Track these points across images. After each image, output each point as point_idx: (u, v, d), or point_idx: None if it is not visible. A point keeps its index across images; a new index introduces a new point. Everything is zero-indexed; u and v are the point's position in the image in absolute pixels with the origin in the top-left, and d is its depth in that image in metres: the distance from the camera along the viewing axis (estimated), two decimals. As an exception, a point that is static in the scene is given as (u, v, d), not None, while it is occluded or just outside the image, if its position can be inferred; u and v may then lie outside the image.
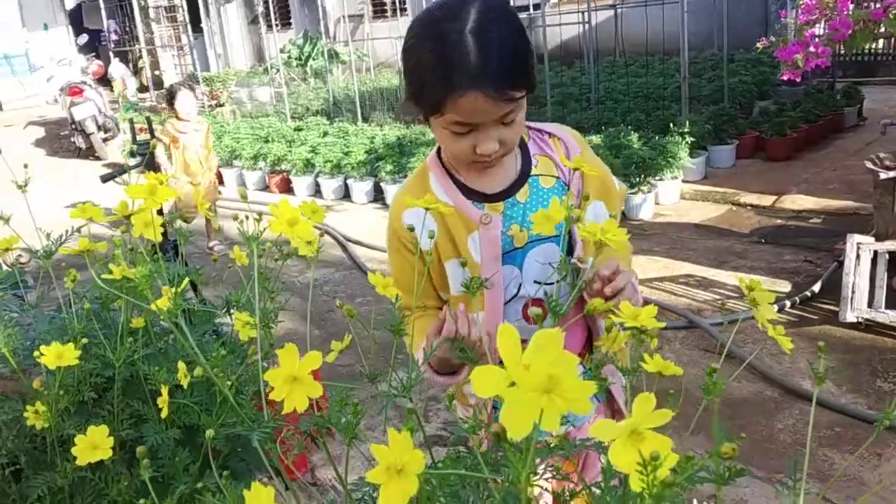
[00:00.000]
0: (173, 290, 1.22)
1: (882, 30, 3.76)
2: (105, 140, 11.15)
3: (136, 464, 1.56)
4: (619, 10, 9.48)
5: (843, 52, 3.74)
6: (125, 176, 2.22)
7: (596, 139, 6.64)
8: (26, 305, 2.04)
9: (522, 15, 10.60)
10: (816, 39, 3.66)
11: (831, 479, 2.67)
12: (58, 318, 1.83)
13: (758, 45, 3.94)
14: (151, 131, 3.15)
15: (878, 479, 2.65)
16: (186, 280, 1.67)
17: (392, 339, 1.07)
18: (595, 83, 8.09)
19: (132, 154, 9.68)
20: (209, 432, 1.12)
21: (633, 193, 5.79)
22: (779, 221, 5.40)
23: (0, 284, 2.22)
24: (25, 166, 2.03)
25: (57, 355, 1.47)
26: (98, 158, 10.98)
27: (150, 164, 2.93)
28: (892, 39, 9.28)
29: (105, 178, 2.55)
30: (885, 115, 7.46)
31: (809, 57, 3.66)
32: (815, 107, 7.24)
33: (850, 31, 3.56)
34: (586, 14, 8.27)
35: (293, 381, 0.99)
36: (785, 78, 3.78)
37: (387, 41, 11.60)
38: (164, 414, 1.49)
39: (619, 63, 10.11)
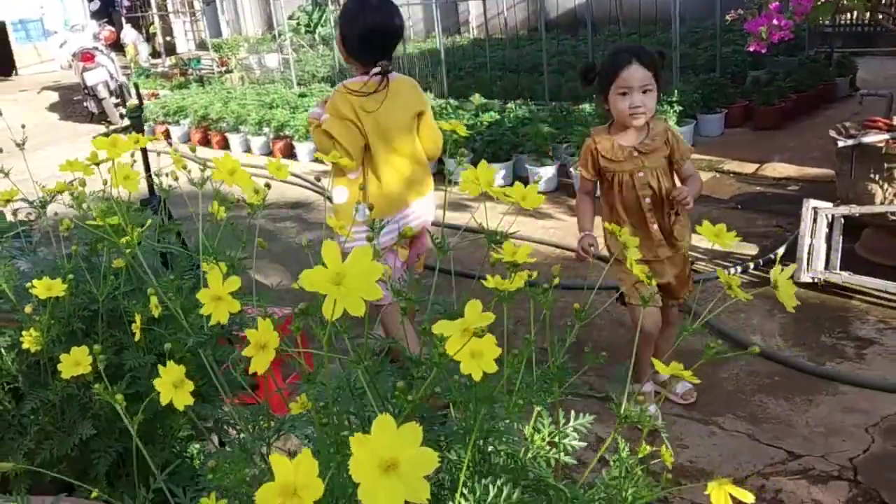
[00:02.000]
0: (136, 230, 1.48)
1: (845, 2, 3.93)
2: (117, 105, 11.40)
3: (118, 384, 1.83)
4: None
5: (807, 24, 3.89)
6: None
7: (588, 107, 6.82)
8: (27, 250, 2.31)
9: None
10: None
11: (762, 421, 2.91)
12: (51, 260, 2.09)
13: (727, 17, 4.11)
14: (140, 98, 3.38)
15: (804, 423, 2.89)
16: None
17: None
18: (592, 52, 8.21)
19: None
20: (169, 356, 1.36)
21: (619, 160, 5.98)
22: (758, 188, 5.59)
23: (4, 234, 2.50)
24: (23, 126, 2.28)
25: (47, 287, 1.72)
26: (110, 123, 11.24)
27: (139, 128, 3.16)
28: (893, 9, 9.32)
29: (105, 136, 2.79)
30: (879, 85, 7.57)
31: (773, 30, 3.83)
32: (807, 77, 7.37)
33: (811, 4, 3.73)
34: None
35: (217, 299, 1.23)
36: (751, 49, 3.95)
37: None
38: (137, 339, 1.75)
39: (623, 32, 10.22)
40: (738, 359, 3.38)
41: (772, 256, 4.28)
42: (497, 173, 6.34)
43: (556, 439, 1.53)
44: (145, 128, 10.04)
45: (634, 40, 9.30)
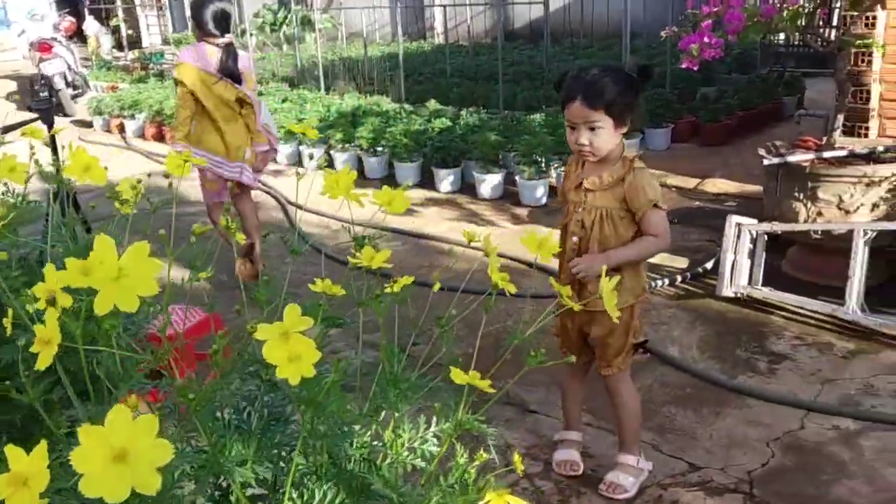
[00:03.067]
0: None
1: (777, 24, 4.01)
2: (74, 97, 11.27)
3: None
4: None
5: (735, 43, 3.97)
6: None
7: (539, 118, 6.88)
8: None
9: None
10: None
11: (666, 433, 2.96)
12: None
13: (662, 34, 4.18)
14: (51, 92, 3.34)
15: (708, 435, 2.94)
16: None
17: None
18: (546, 63, 8.29)
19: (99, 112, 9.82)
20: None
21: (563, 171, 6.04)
22: (697, 203, 5.68)
23: None
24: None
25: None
26: (66, 115, 11.10)
27: (47, 120, 3.13)
28: (823, 30, 9.51)
29: (5, 129, 2.76)
30: (825, 106, 7.72)
31: (704, 48, 3.90)
32: (755, 95, 7.50)
33: (743, 24, 3.80)
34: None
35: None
36: (683, 66, 4.02)
37: (358, 11, 11.72)
38: (7, 330, 1.72)
39: (581, 45, 10.32)
40: (653, 369, 3.43)
41: (699, 270, 4.35)
42: (446, 179, 6.38)
43: (416, 445, 1.55)
44: (99, 121, 9.91)
45: (592, 53, 9.41)
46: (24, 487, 0.72)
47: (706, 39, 3.90)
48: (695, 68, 4.03)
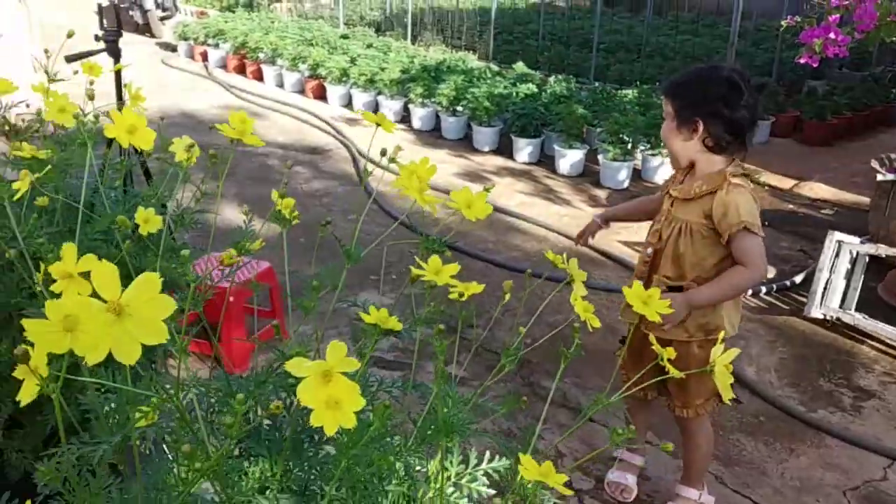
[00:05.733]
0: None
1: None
2: (162, 19, 11.24)
3: (13, 330, 1.69)
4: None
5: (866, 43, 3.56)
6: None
7: (631, 94, 6.53)
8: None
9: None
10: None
11: (735, 465, 2.72)
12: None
13: (782, 23, 3.81)
14: (119, 22, 3.22)
15: (779, 473, 2.69)
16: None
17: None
18: (646, 36, 7.87)
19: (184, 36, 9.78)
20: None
21: (651, 155, 5.71)
22: (790, 207, 5.30)
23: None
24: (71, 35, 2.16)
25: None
26: (153, 36, 11.10)
27: (114, 52, 3.00)
28: None
29: (70, 59, 2.62)
30: (942, 115, 7.16)
31: (828, 44, 3.54)
32: (864, 95, 6.97)
33: (873, 23, 3.42)
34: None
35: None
36: (802, 61, 3.66)
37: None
38: (37, 289, 1.59)
39: (685, 19, 9.79)
40: (726, 390, 3.16)
41: (787, 284, 4.03)
42: (524, 149, 6.11)
43: (464, 481, 1.36)
44: (184, 46, 9.89)
45: (695, 30, 8.92)
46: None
47: (832, 35, 3.54)
48: (815, 65, 3.67)
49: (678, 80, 2.19)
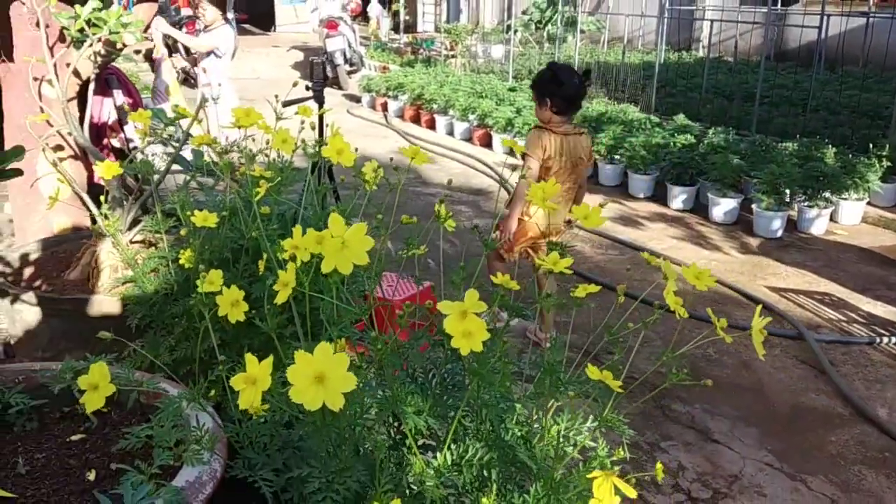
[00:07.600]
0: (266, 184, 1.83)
1: None
2: (349, 73, 12.40)
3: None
4: (870, 20, 8.98)
5: None
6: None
7: (791, 146, 6.58)
8: (206, 187, 2.79)
9: (765, 9, 10.37)
10: None
11: (853, 492, 2.85)
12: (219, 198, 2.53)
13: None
14: (325, 77, 3.82)
15: (898, 503, 2.80)
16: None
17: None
18: (813, 91, 7.86)
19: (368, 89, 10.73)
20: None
21: (808, 206, 5.77)
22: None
23: (198, 169, 3.00)
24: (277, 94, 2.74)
25: (203, 219, 2.13)
26: (340, 88, 12.23)
27: (319, 99, 3.59)
28: None
29: (286, 104, 3.23)
30: None
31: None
32: None
33: None
34: (825, 18, 7.99)
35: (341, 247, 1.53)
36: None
37: (624, 17, 11.75)
38: (261, 271, 2.12)
39: (856, 74, 9.61)
40: (853, 426, 3.28)
41: (934, 334, 4.03)
42: (678, 196, 6.34)
43: (570, 435, 1.72)
44: (367, 97, 10.83)
45: (868, 87, 8.76)
46: (252, 385, 1.00)
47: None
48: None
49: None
